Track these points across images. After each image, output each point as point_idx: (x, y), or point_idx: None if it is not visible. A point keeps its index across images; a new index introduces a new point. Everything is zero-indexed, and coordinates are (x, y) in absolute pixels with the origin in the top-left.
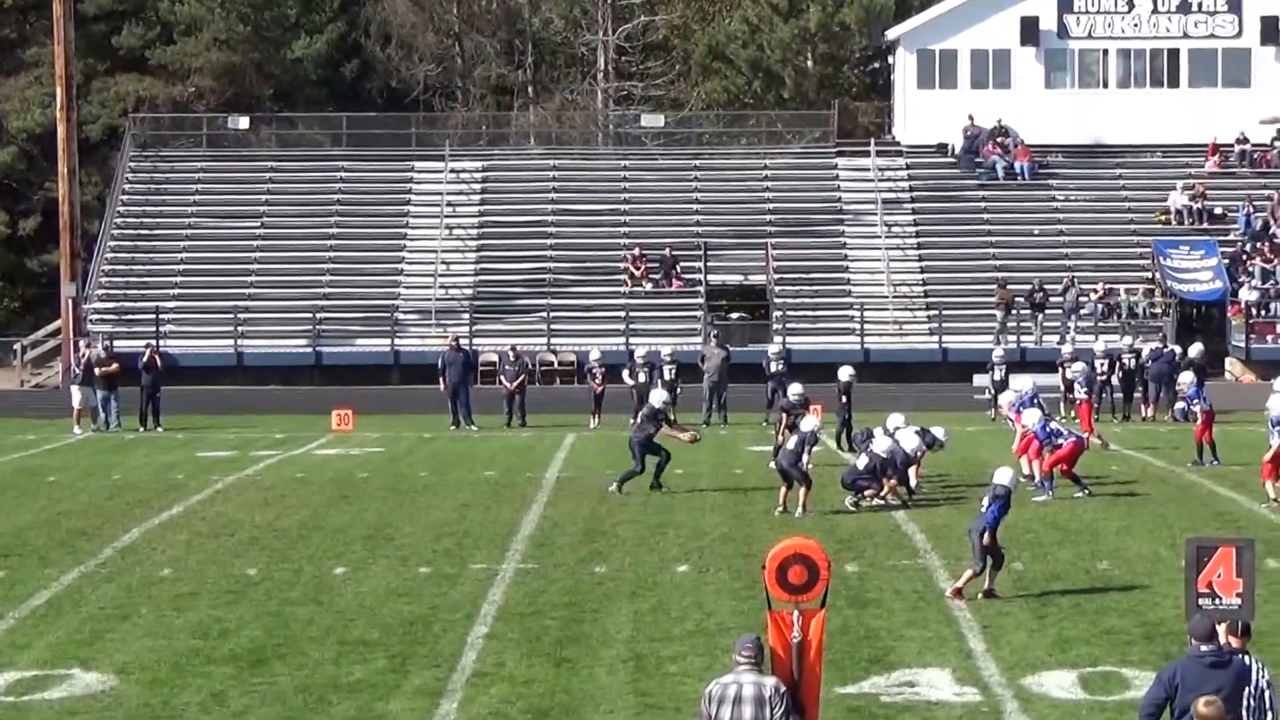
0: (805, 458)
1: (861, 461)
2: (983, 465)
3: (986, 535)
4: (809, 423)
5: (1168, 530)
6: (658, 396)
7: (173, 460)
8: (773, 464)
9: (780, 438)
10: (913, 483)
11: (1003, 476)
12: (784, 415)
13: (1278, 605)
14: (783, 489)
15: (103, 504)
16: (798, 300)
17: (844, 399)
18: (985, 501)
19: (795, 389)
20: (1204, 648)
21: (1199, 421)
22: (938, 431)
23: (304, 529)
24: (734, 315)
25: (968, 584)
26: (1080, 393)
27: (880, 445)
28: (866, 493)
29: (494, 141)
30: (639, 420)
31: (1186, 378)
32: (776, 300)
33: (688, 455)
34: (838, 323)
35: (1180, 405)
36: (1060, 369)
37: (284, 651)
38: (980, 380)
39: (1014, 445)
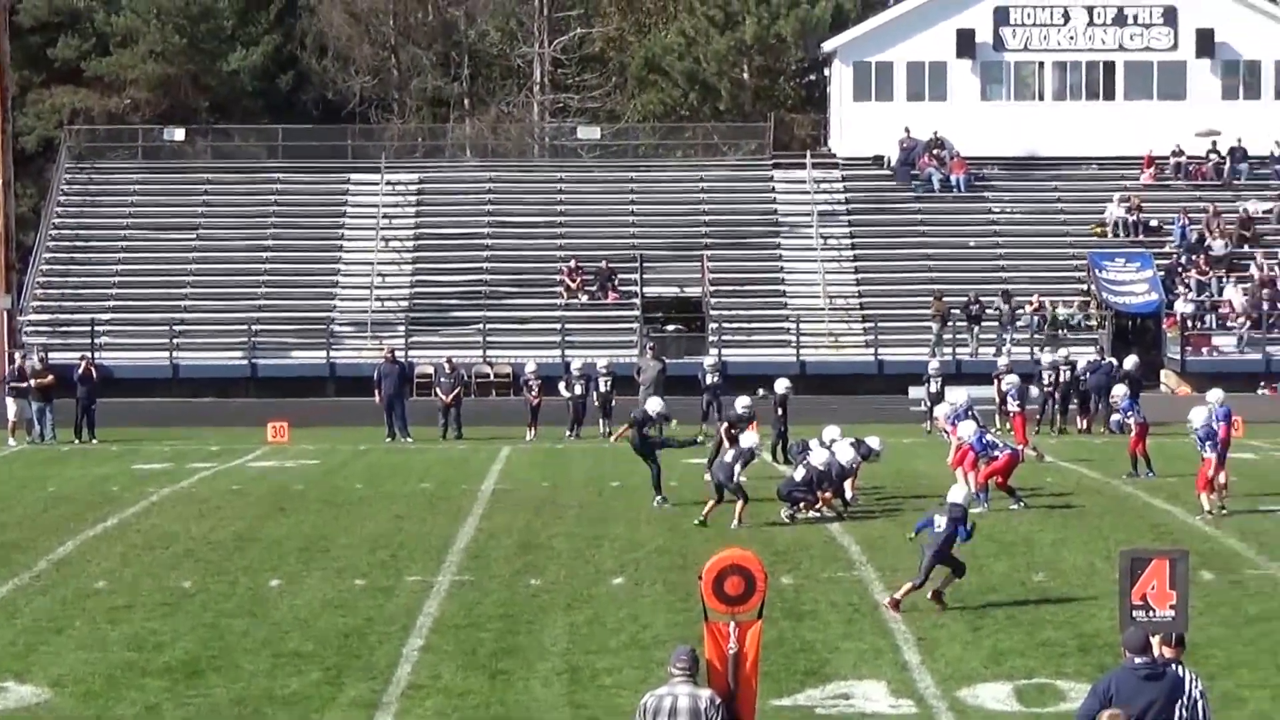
0: (738, 470)
1: (798, 474)
2: (918, 477)
3: (938, 553)
4: (748, 439)
5: (1103, 542)
6: (654, 405)
7: (107, 472)
8: (708, 475)
9: (720, 449)
10: (848, 495)
11: (956, 495)
12: (727, 426)
13: (1212, 617)
14: (710, 502)
15: (37, 516)
16: (733, 312)
17: (780, 411)
18: (941, 520)
19: (743, 402)
20: (1138, 660)
21: (1133, 433)
22: (872, 441)
23: (239, 541)
24: (670, 327)
25: (905, 596)
26: (1013, 405)
27: (817, 457)
28: (801, 505)
29: (430, 153)
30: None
31: (1120, 390)
32: (712, 312)
33: (623, 467)
34: (773, 335)
35: (1116, 417)
36: (995, 381)
37: (219, 664)
38: (916, 392)
39: (949, 457)
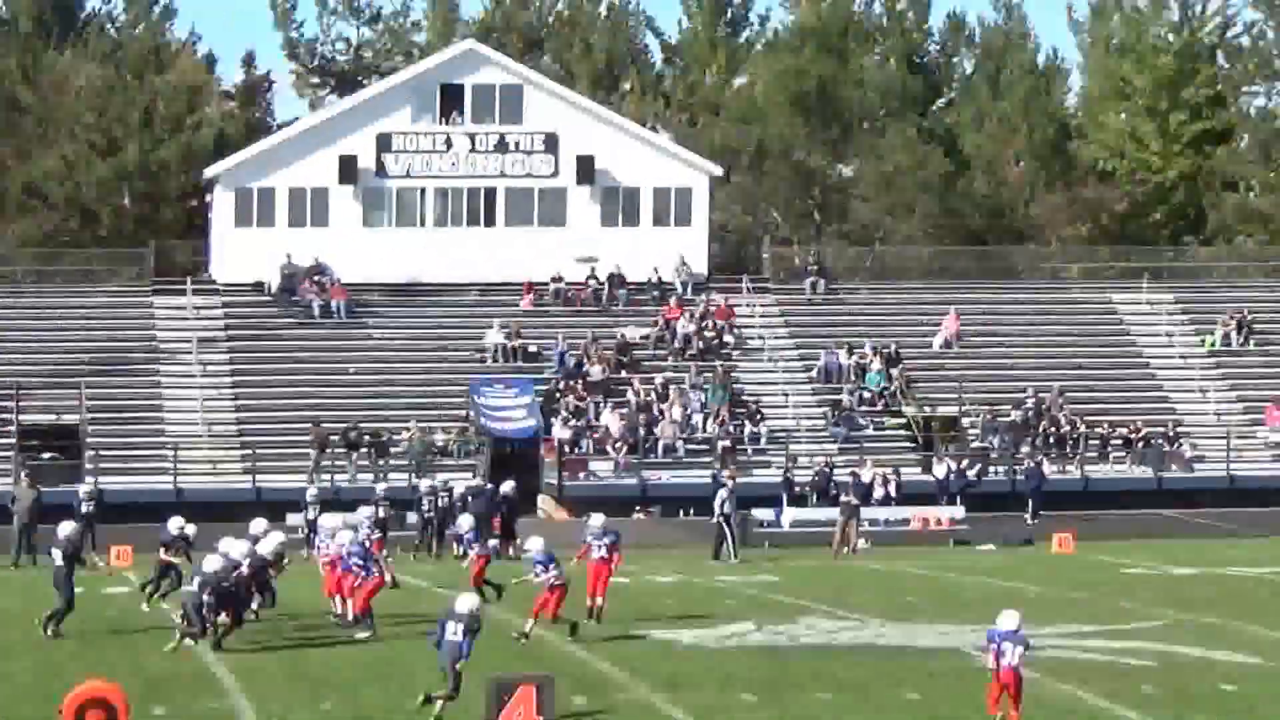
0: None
1: (196, 582)
2: (296, 605)
3: (459, 663)
4: (271, 541)
5: (476, 669)
6: (65, 529)
7: None
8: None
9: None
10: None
11: (463, 605)
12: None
13: None
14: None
15: None
16: (111, 440)
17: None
18: (455, 628)
19: (176, 522)
20: None
21: (473, 563)
22: (270, 542)
23: None
24: (46, 455)
25: (443, 708)
26: (368, 533)
27: (235, 548)
28: (188, 634)
29: None
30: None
31: (466, 521)
32: (90, 440)
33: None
34: (152, 462)
35: (492, 543)
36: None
37: None
38: (294, 519)
39: (324, 585)
